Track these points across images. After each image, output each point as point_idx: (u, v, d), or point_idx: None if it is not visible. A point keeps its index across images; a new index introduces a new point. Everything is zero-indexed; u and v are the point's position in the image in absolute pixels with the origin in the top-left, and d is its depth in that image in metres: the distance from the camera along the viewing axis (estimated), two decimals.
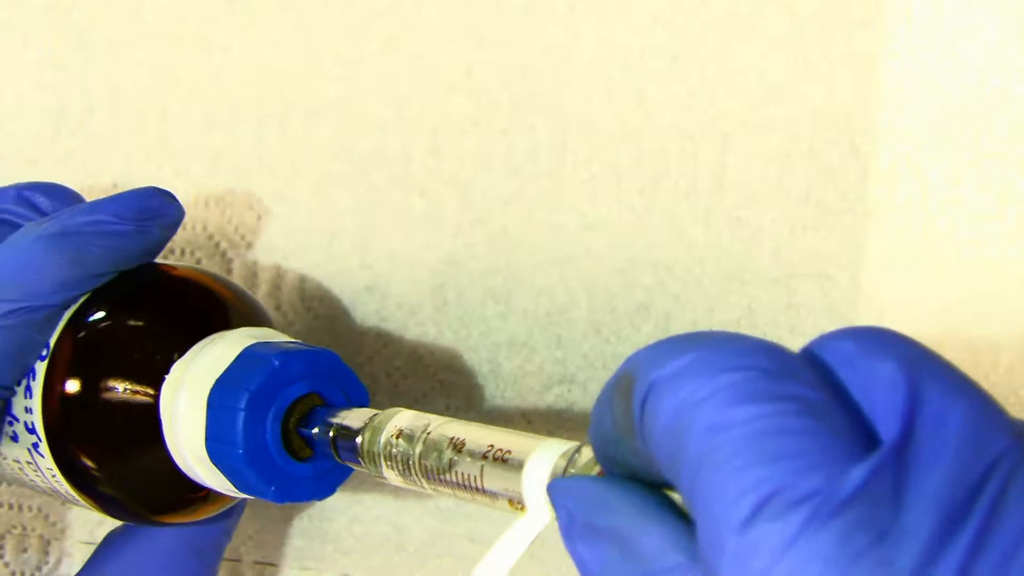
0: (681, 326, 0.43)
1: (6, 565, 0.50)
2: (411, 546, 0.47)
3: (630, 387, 0.24)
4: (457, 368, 0.46)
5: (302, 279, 0.47)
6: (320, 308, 0.47)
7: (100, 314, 0.38)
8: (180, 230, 0.48)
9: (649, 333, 0.43)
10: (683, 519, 0.24)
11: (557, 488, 0.27)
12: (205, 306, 0.39)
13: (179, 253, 0.48)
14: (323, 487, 0.37)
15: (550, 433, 0.45)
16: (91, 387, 0.37)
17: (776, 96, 0.42)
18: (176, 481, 0.38)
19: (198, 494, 0.38)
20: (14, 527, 0.51)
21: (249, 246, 0.48)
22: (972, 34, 0.40)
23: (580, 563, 0.25)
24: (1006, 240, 0.40)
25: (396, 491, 0.47)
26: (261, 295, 0.48)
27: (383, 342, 0.47)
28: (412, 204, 0.46)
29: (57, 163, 0.49)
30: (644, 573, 0.23)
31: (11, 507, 0.51)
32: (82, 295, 0.38)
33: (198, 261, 0.48)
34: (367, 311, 0.47)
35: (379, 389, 0.47)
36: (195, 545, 0.41)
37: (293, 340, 0.38)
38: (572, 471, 0.28)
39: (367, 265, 0.47)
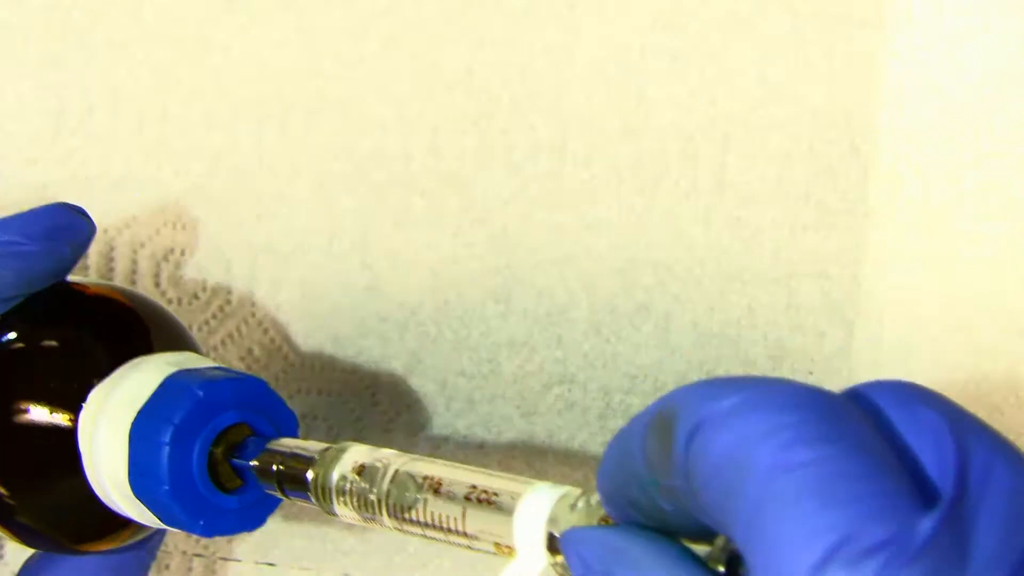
0: (681, 326, 0.43)
1: (6, 565, 0.50)
2: (411, 546, 0.47)
3: (669, 424, 0.23)
4: (457, 368, 0.46)
5: (302, 279, 0.47)
6: (320, 308, 0.47)
7: (11, 337, 0.36)
8: (180, 230, 0.48)
9: (649, 333, 0.43)
10: (705, 570, 0.24)
11: (572, 537, 0.26)
12: (123, 328, 0.37)
13: (179, 253, 0.48)
14: (253, 517, 0.36)
15: (550, 433, 0.45)
16: (6, 415, 0.35)
17: (776, 96, 0.42)
18: (97, 511, 0.36)
19: (119, 523, 0.37)
20: None
21: (249, 246, 0.48)
22: (972, 34, 0.40)
23: None
24: (1006, 240, 0.40)
25: None
26: (261, 295, 0.48)
27: (383, 342, 0.47)
28: (412, 204, 0.46)
29: (57, 163, 0.49)
30: None
31: None
32: None
33: (198, 261, 0.48)
34: (367, 311, 0.47)
35: (379, 389, 0.47)
36: (118, 569, 0.40)
37: (217, 365, 0.36)
38: (575, 517, 0.27)
39: (367, 265, 0.47)
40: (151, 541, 0.40)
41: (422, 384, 0.46)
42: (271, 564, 0.49)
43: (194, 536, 0.49)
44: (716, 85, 0.42)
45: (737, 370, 0.43)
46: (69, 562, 0.39)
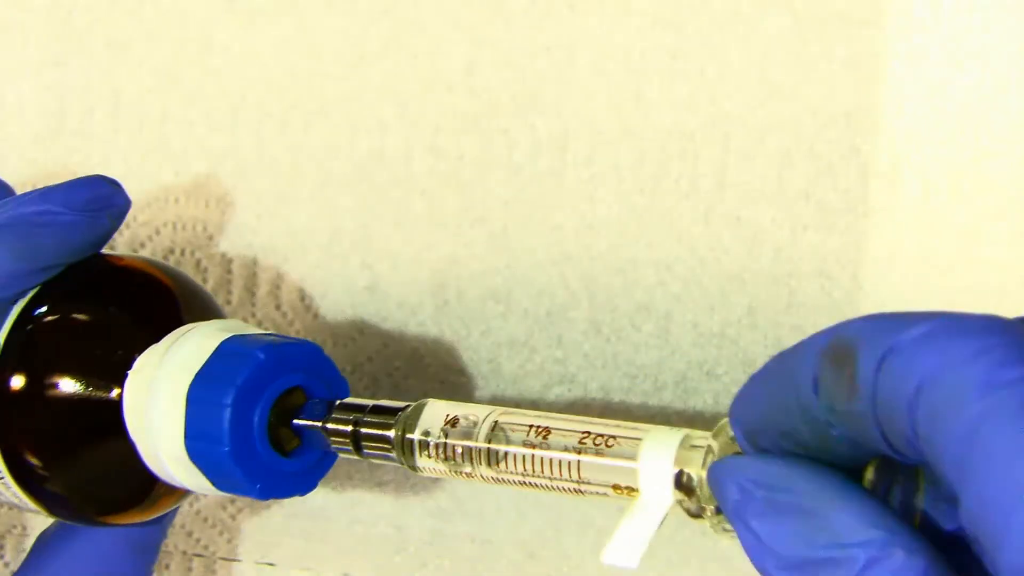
0: (682, 325, 0.43)
1: (6, 565, 0.50)
2: (411, 546, 0.47)
3: (849, 352, 0.24)
4: (457, 368, 0.46)
5: (302, 279, 0.47)
6: (320, 308, 0.47)
7: (54, 308, 0.36)
8: (180, 230, 0.48)
9: (650, 332, 0.43)
10: (872, 498, 0.25)
11: (727, 466, 0.27)
12: (164, 297, 0.38)
13: (179, 253, 0.48)
14: (306, 482, 0.36)
15: None
16: (47, 385, 0.35)
17: (776, 96, 0.42)
18: (135, 481, 0.36)
19: (161, 491, 0.37)
20: (14, 527, 0.51)
21: (249, 246, 0.48)
22: (972, 34, 0.40)
23: (753, 540, 0.25)
24: (1006, 240, 0.40)
25: (396, 491, 0.47)
26: (261, 295, 0.48)
27: (383, 342, 0.47)
28: (412, 204, 0.46)
29: (57, 163, 0.49)
30: (836, 547, 0.24)
31: (11, 507, 0.51)
32: (31, 289, 0.36)
33: (198, 262, 0.48)
34: (367, 311, 0.47)
35: (379, 389, 0.47)
36: (134, 543, 0.40)
37: (267, 332, 0.37)
38: (712, 455, 0.28)
39: (367, 265, 0.47)
40: (164, 519, 0.40)
41: (422, 384, 0.46)
42: (271, 564, 0.49)
43: (194, 536, 0.49)
44: (716, 85, 0.42)
45: (737, 370, 0.43)
46: (88, 535, 0.39)
